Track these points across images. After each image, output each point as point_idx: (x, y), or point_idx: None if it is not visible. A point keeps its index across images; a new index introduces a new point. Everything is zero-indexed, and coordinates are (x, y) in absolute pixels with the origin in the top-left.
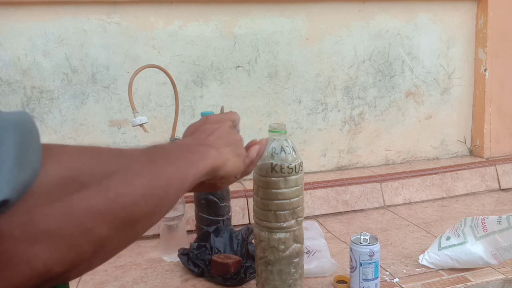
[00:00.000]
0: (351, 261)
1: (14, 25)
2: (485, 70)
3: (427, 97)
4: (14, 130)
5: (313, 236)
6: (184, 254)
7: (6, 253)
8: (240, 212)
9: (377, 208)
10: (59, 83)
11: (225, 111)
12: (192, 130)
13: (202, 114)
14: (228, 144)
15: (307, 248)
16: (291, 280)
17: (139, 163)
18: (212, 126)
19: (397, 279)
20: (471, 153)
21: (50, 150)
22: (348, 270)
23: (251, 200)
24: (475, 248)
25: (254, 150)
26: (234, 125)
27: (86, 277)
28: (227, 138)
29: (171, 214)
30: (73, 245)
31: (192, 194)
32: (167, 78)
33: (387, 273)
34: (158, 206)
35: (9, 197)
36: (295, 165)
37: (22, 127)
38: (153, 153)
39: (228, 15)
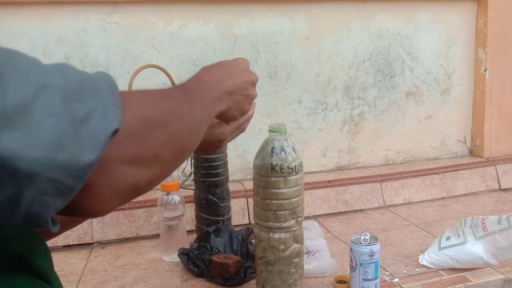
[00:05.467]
0: (351, 261)
1: (14, 25)
2: (485, 70)
3: (427, 97)
4: (107, 83)
5: (313, 236)
6: (184, 254)
7: (109, 169)
8: (240, 212)
9: (377, 208)
10: None
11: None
12: (214, 72)
13: None
14: (238, 100)
15: (307, 248)
16: (291, 280)
17: (184, 106)
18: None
19: (397, 279)
20: (471, 153)
21: (123, 96)
22: (348, 270)
23: (251, 200)
24: (475, 248)
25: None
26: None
27: (86, 277)
28: (238, 91)
29: (171, 214)
30: (148, 167)
31: (192, 194)
32: (167, 78)
33: (387, 273)
34: (195, 140)
35: (119, 127)
36: (295, 165)
37: (109, 81)
38: (191, 97)
39: (228, 15)
